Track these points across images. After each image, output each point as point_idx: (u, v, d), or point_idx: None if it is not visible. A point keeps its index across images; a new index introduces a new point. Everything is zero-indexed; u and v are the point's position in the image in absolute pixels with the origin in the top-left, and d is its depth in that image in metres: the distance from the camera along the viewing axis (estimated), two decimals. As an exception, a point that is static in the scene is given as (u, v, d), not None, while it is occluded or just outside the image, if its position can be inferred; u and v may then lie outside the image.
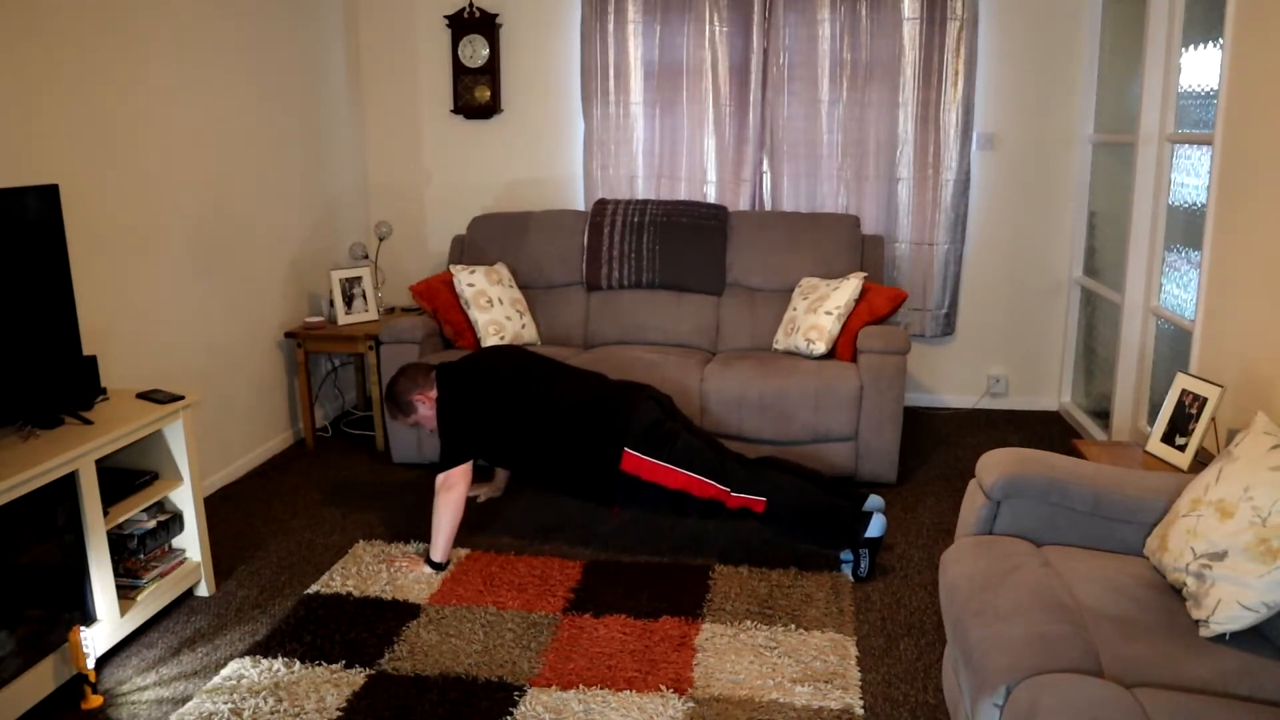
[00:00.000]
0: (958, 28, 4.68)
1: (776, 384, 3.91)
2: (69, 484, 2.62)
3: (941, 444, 4.62)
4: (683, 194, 5.04)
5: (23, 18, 3.00)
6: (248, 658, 2.78)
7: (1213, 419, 2.86)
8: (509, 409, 3.32)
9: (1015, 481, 2.40)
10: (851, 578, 3.24)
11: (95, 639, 2.70)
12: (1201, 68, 3.68)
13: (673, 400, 3.52)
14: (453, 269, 4.44)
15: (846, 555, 3.28)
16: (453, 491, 3.24)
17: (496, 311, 4.37)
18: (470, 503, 3.84)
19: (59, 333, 2.80)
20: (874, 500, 3.42)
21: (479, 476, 3.94)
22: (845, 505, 3.29)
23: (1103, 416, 4.52)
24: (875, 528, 3.25)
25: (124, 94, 3.47)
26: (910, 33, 4.73)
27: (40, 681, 2.54)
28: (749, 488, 3.23)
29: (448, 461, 3.29)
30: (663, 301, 4.59)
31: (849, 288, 4.14)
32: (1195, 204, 3.68)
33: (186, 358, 3.87)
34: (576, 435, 3.27)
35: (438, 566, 3.27)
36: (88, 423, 2.79)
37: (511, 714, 2.51)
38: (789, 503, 3.24)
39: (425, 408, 3.42)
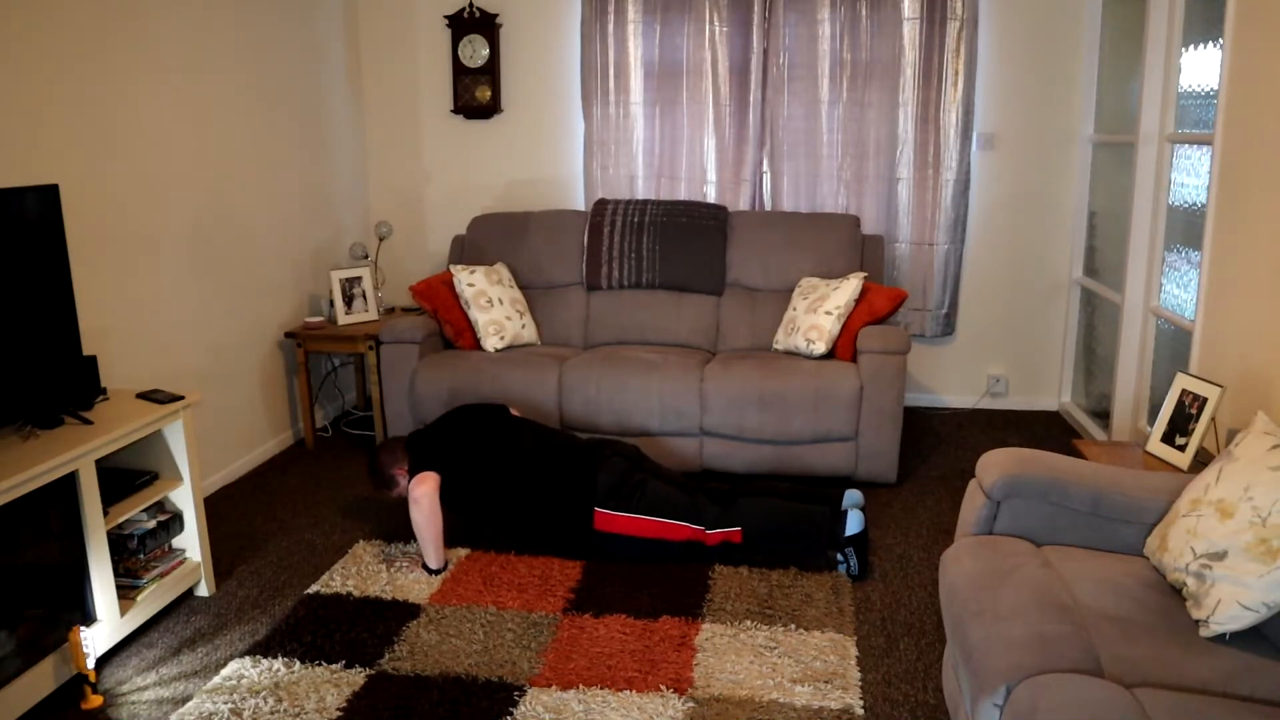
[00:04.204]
0: (958, 28, 4.68)
1: (776, 384, 3.91)
2: (69, 484, 2.62)
3: (941, 444, 4.61)
4: (683, 194, 5.04)
5: (23, 18, 3.00)
6: (248, 658, 2.78)
7: (1213, 419, 2.86)
8: (478, 474, 3.36)
9: (1015, 481, 2.40)
10: (847, 577, 3.25)
11: (95, 639, 2.70)
12: (1201, 68, 3.68)
13: (639, 450, 3.56)
14: (453, 269, 4.44)
15: (840, 555, 3.28)
16: (419, 505, 3.24)
17: (496, 311, 4.37)
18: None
19: (59, 333, 2.80)
20: (851, 496, 3.43)
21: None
22: (820, 511, 3.32)
23: (1103, 416, 4.52)
24: (852, 524, 3.26)
25: (124, 94, 3.47)
26: (910, 33, 4.73)
27: (40, 681, 2.55)
28: (723, 521, 3.31)
29: (412, 472, 3.33)
30: (663, 301, 4.59)
31: (849, 288, 4.14)
32: (1195, 204, 3.68)
33: (186, 358, 3.87)
34: (547, 500, 3.34)
35: (436, 571, 3.28)
36: (88, 423, 2.79)
37: (511, 714, 2.51)
38: (764, 525, 3.31)
39: (404, 480, 3.46)
